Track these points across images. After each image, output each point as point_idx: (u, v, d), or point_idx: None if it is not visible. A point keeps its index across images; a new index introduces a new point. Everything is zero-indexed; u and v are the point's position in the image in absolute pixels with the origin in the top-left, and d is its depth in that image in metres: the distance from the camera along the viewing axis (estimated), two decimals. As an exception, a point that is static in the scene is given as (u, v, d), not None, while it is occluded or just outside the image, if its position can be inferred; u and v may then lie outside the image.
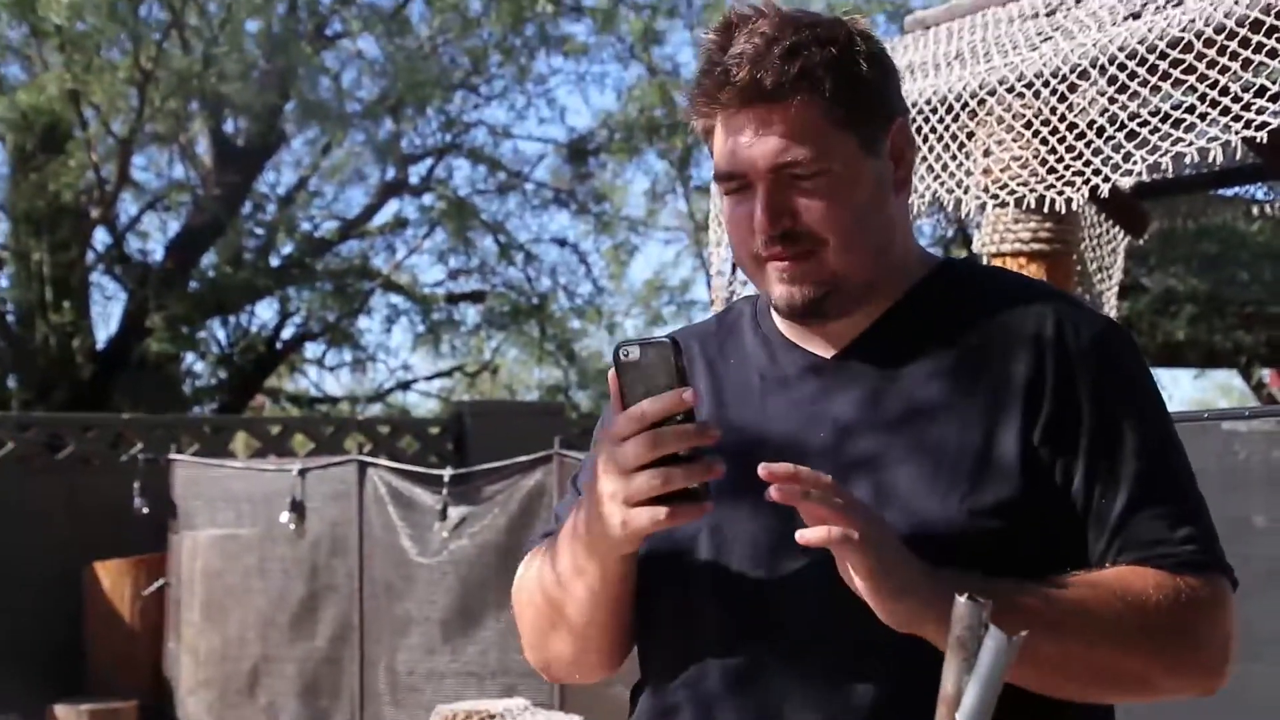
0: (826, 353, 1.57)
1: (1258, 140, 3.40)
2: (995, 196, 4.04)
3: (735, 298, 4.81)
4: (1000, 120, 3.99)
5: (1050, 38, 3.99)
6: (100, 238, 15.24)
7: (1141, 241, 5.56)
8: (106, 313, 16.52)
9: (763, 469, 1.33)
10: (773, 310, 1.62)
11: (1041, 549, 1.46)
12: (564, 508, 1.67)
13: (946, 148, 4.13)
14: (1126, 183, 3.68)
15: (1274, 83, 3.34)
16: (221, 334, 16.12)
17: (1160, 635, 1.42)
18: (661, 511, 1.36)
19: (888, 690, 1.43)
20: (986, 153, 4.08)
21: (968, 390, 1.49)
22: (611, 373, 1.39)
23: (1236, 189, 5.62)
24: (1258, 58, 3.28)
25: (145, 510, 8.83)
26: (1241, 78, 3.40)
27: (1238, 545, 1.69)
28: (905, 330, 1.55)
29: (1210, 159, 3.46)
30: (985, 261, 4.10)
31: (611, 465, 1.37)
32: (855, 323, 1.57)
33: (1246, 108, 3.35)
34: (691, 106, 1.57)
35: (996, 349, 1.51)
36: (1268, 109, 3.32)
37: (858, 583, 1.34)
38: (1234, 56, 3.32)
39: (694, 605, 1.52)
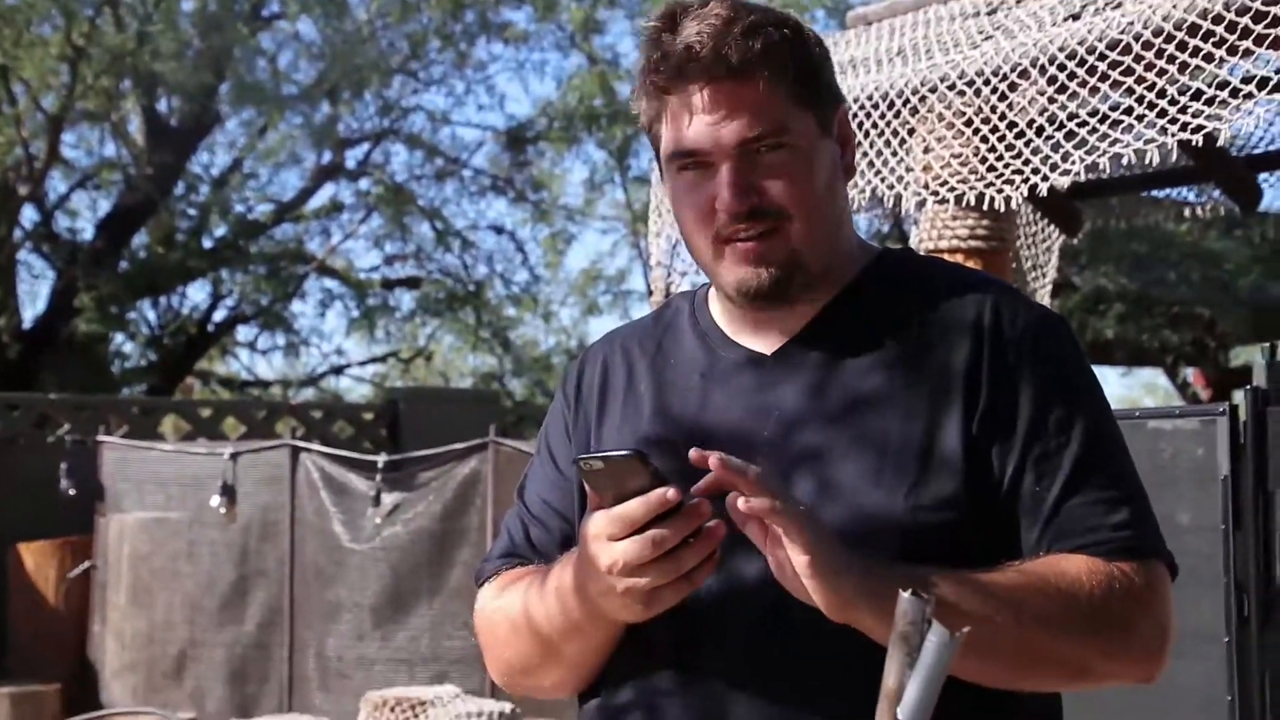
0: (767, 348, 1.57)
1: (1191, 143, 3.45)
2: (935, 193, 4.07)
3: (674, 289, 4.82)
4: (941, 117, 4.02)
5: (991, 36, 4.02)
6: (28, 215, 15.02)
7: (1075, 240, 5.62)
8: (34, 291, 16.30)
9: (694, 453, 1.33)
10: (722, 300, 1.61)
11: (986, 541, 1.46)
12: (514, 523, 1.66)
13: (887, 144, 4.15)
14: (1064, 182, 3.72)
15: (1209, 86, 3.39)
16: (152, 315, 15.95)
17: (1094, 622, 1.42)
18: (684, 585, 1.38)
19: (832, 691, 1.43)
20: (927, 149, 4.11)
21: (909, 381, 1.50)
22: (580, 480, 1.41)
23: (1168, 191, 5.70)
24: (1194, 61, 3.32)
25: (72, 492, 8.72)
26: (1178, 80, 3.44)
27: (1170, 541, 1.71)
28: (846, 322, 1.55)
29: (1146, 160, 3.50)
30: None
31: (617, 564, 1.36)
32: (796, 316, 1.56)
33: (1182, 110, 3.40)
34: (645, 88, 1.54)
35: (936, 339, 1.51)
36: (1202, 112, 3.37)
37: (796, 559, 1.33)
38: (1170, 60, 3.37)
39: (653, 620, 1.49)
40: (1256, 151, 5.00)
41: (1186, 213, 5.78)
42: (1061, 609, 1.41)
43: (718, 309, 1.63)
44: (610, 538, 1.35)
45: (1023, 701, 1.50)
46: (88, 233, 15.46)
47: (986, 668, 1.40)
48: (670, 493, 1.34)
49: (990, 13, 4.32)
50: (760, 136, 1.50)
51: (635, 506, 1.34)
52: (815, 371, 1.53)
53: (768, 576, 1.40)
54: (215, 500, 7.90)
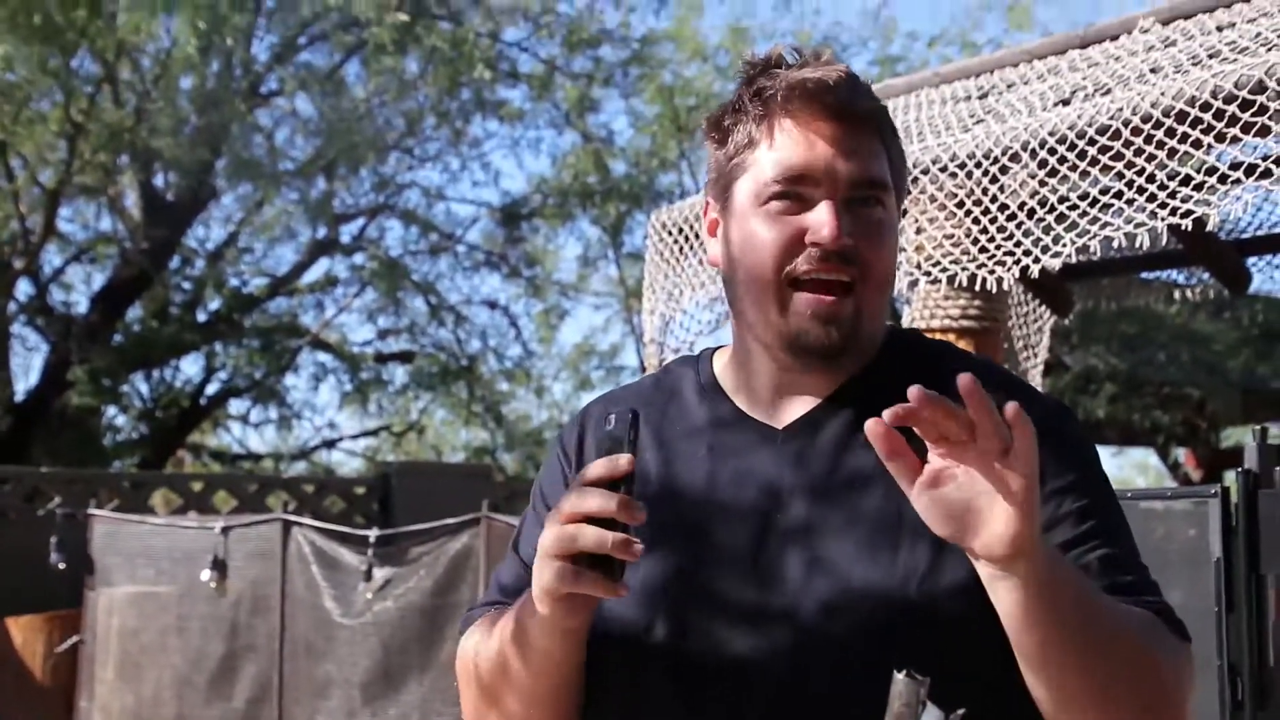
0: (778, 424, 1.54)
1: (1181, 227, 3.49)
2: (927, 273, 4.11)
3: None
4: (933, 199, 4.06)
5: (982, 120, 4.08)
6: (23, 289, 15.08)
7: (1066, 321, 5.67)
8: (27, 364, 16.30)
9: (914, 391, 1.26)
10: (735, 368, 1.59)
11: (995, 630, 1.42)
12: (505, 571, 1.63)
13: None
14: (1055, 264, 3.75)
15: (1198, 172, 3.44)
16: (144, 388, 15.95)
17: (1162, 668, 1.39)
18: (568, 569, 1.32)
19: None
20: (919, 230, 4.15)
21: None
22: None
23: (1158, 273, 5.75)
24: (1182, 147, 3.37)
25: (62, 565, 8.68)
26: (1167, 166, 3.49)
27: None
28: (861, 401, 1.51)
29: (1137, 243, 3.54)
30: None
31: (550, 518, 1.35)
32: (811, 390, 1.55)
33: (1172, 195, 3.44)
34: (756, 109, 1.52)
35: None
36: (1191, 196, 3.41)
37: (1018, 477, 1.25)
38: (1159, 145, 3.41)
39: (644, 685, 1.47)
40: (1245, 236, 5.06)
41: (1176, 295, 5.83)
42: (1141, 639, 1.39)
43: (725, 375, 1.61)
44: (566, 511, 1.33)
45: None
46: (82, 306, 15.51)
47: (1070, 676, 1.35)
48: (622, 460, 1.32)
49: (981, 96, 4.39)
50: (872, 183, 1.50)
51: (594, 465, 1.33)
52: (828, 450, 1.51)
53: (787, 645, 1.40)
54: (206, 574, 7.86)
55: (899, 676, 1.26)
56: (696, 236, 4.78)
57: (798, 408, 1.55)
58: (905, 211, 4.08)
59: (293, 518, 8.00)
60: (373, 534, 7.45)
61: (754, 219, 1.51)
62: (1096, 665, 1.34)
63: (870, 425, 1.28)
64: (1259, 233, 5.02)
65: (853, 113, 1.49)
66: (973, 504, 1.27)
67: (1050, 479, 1.44)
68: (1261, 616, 3.40)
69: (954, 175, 3.94)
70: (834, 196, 1.48)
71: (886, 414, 1.26)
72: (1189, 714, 1.42)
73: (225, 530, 7.95)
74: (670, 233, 4.92)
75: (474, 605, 1.65)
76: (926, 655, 1.35)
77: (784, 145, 1.50)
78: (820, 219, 1.47)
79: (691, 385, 1.62)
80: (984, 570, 1.32)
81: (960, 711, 1.24)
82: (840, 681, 1.42)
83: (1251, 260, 5.11)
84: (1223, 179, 3.34)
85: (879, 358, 1.57)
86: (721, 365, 1.62)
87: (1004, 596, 1.31)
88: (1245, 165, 3.27)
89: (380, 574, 7.32)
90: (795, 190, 1.49)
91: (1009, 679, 1.45)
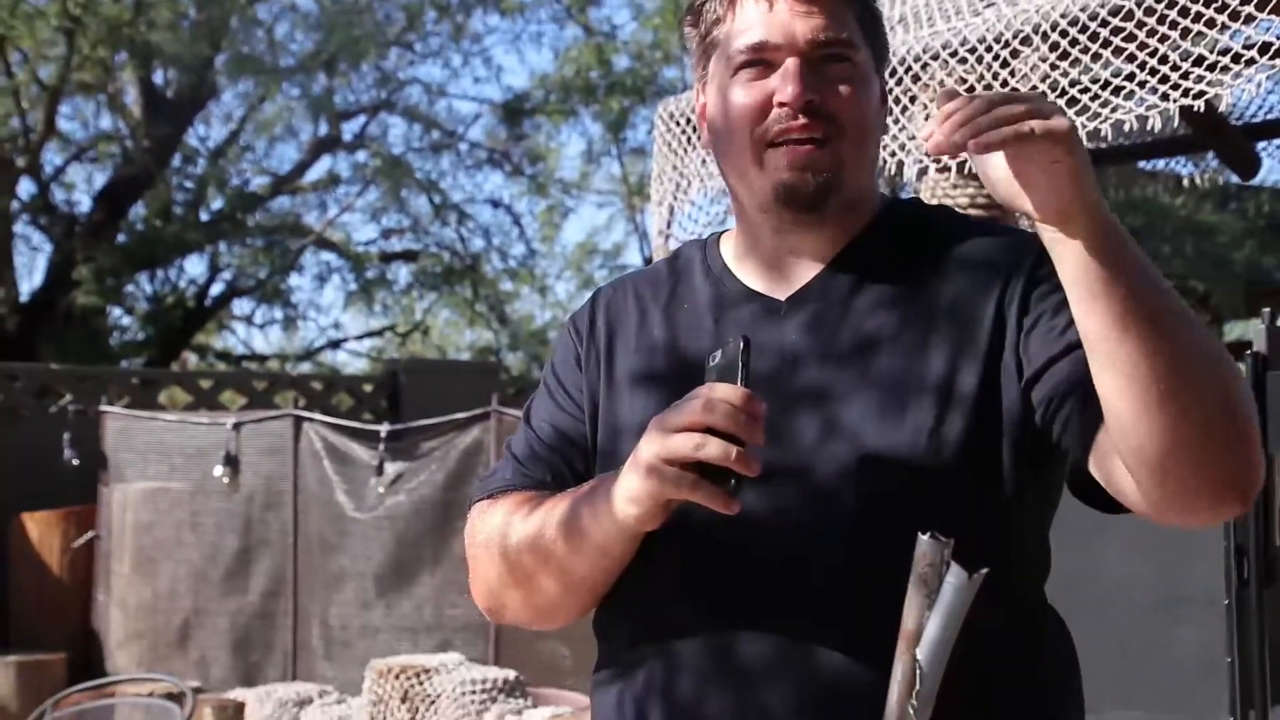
0: (782, 293, 1.57)
1: (1193, 109, 3.47)
2: (937, 160, 4.10)
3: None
4: (942, 85, 4.03)
5: (993, 4, 4.04)
6: (25, 188, 15.03)
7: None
8: (31, 264, 16.30)
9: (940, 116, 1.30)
10: (737, 243, 1.62)
11: (997, 483, 1.47)
12: (518, 443, 1.65)
13: (889, 111, 4.18)
14: (1066, 149, 3.73)
15: (1211, 52, 3.41)
16: (149, 288, 15.95)
17: (1228, 362, 1.37)
18: (688, 477, 1.34)
19: (853, 665, 1.43)
20: (928, 117, 4.13)
21: (927, 321, 1.50)
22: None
23: (1165, 161, 5.72)
24: (1196, 26, 3.34)
25: (75, 462, 8.74)
26: (1180, 46, 3.46)
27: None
28: (862, 266, 1.55)
29: (1149, 126, 3.52)
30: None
31: (658, 424, 1.37)
32: (811, 258, 1.57)
33: (1184, 76, 3.42)
34: None
35: (955, 279, 1.52)
36: (1204, 78, 3.39)
37: (1058, 121, 1.28)
38: (1173, 26, 3.38)
39: (651, 554, 1.48)
40: (1255, 120, 5.03)
41: (1185, 183, 5.81)
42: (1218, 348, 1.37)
43: (731, 253, 1.64)
44: (705, 400, 1.35)
45: (1043, 649, 1.52)
46: (84, 205, 15.47)
47: (1142, 365, 1.32)
48: (761, 408, 1.34)
49: (992, -19, 4.34)
50: (832, 42, 1.53)
51: (721, 386, 1.35)
52: (833, 315, 1.53)
53: (787, 526, 1.43)
54: (219, 470, 7.94)
55: (924, 538, 1.26)
56: (704, 126, 4.75)
57: (800, 277, 1.57)
58: (899, 80, 4.06)
59: (304, 413, 8.06)
60: (384, 429, 7.51)
61: (728, 91, 1.56)
62: (1168, 343, 1.32)
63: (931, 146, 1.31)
64: (1270, 116, 5.00)
65: None
66: (1020, 171, 1.33)
67: (1049, 304, 1.47)
68: (1269, 496, 3.43)
69: (964, 60, 3.91)
70: (798, 56, 1.52)
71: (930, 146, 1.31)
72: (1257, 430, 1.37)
73: (237, 426, 8.01)
74: (678, 123, 4.90)
75: (490, 476, 1.66)
76: (936, 513, 1.36)
77: (745, 16, 1.55)
78: (780, 81, 1.52)
79: (699, 265, 1.66)
80: (1046, 236, 1.35)
81: (984, 571, 1.25)
82: (855, 542, 1.44)
83: (1261, 145, 5.09)
84: (1236, 58, 3.32)
85: (877, 222, 1.60)
86: (727, 244, 1.66)
87: (1070, 261, 1.33)
88: (1259, 44, 3.25)
89: (392, 468, 7.39)
90: (760, 58, 1.54)
91: (1014, 544, 1.49)
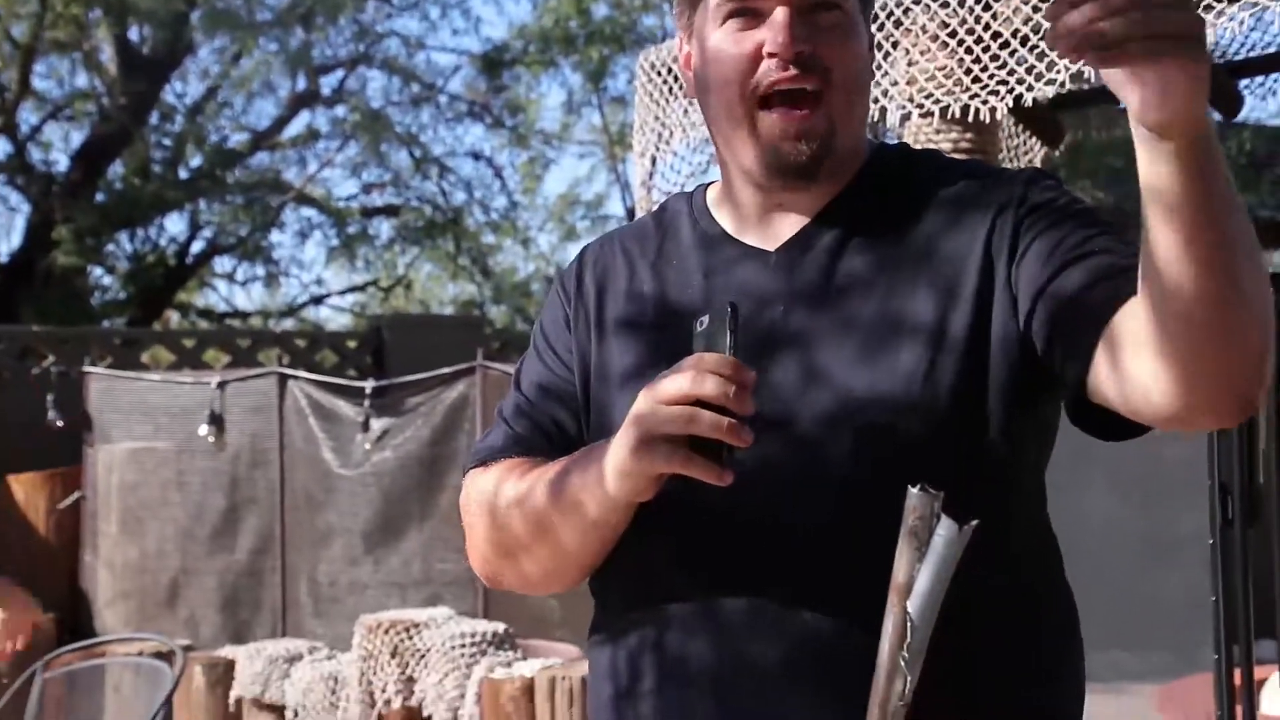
0: (770, 245, 1.55)
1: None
2: (920, 106, 4.08)
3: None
4: (924, 30, 4.01)
5: (974, -53, 4.01)
6: (1, 148, 14.91)
7: (1057, 153, 5.63)
8: (9, 224, 16.21)
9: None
10: (723, 195, 1.60)
11: (985, 425, 1.45)
12: (508, 406, 1.64)
13: (873, 58, 4.15)
14: (1049, 92, 3.72)
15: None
16: (129, 247, 15.86)
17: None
18: (679, 451, 1.32)
19: (843, 622, 1.42)
20: (911, 63, 4.11)
21: (918, 266, 1.49)
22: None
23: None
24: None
25: (60, 423, 8.73)
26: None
27: (1150, 446, 1.73)
28: (851, 214, 1.54)
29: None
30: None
31: (647, 396, 1.34)
32: (799, 210, 1.55)
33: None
34: None
35: (941, 226, 1.50)
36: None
37: (1178, 72, 1.14)
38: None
39: (651, 526, 1.47)
40: (1238, 58, 5.00)
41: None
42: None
43: (718, 206, 1.62)
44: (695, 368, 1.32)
45: (1041, 598, 1.52)
46: (62, 165, 15.36)
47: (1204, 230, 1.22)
48: (749, 376, 1.32)
49: (973, -77, 4.30)
50: None
51: (710, 356, 1.32)
52: (821, 262, 1.52)
53: (779, 482, 1.43)
54: (204, 429, 7.92)
55: (913, 490, 1.26)
56: (685, 75, 4.72)
57: (788, 228, 1.55)
58: (881, 25, 4.04)
59: (288, 371, 8.04)
60: (369, 385, 7.50)
61: (715, 41, 1.52)
62: (1238, 264, 1.24)
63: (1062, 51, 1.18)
64: (1252, 54, 4.97)
65: None
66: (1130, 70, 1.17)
67: (1045, 214, 1.45)
68: (1252, 435, 3.44)
69: (946, 4, 3.89)
70: (787, 4, 1.48)
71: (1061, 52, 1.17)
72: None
73: (221, 385, 8.00)
74: (659, 73, 4.87)
75: (483, 441, 1.65)
76: (931, 460, 1.36)
77: None
78: (773, 29, 1.48)
79: (686, 217, 1.63)
80: (1137, 135, 1.22)
81: (974, 523, 1.24)
82: (847, 492, 1.44)
83: (1244, 83, 5.06)
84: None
85: (865, 171, 1.57)
86: (713, 196, 1.63)
87: (1161, 165, 1.21)
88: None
89: (378, 424, 7.39)
90: (747, 6, 1.50)
91: (1010, 490, 1.48)
